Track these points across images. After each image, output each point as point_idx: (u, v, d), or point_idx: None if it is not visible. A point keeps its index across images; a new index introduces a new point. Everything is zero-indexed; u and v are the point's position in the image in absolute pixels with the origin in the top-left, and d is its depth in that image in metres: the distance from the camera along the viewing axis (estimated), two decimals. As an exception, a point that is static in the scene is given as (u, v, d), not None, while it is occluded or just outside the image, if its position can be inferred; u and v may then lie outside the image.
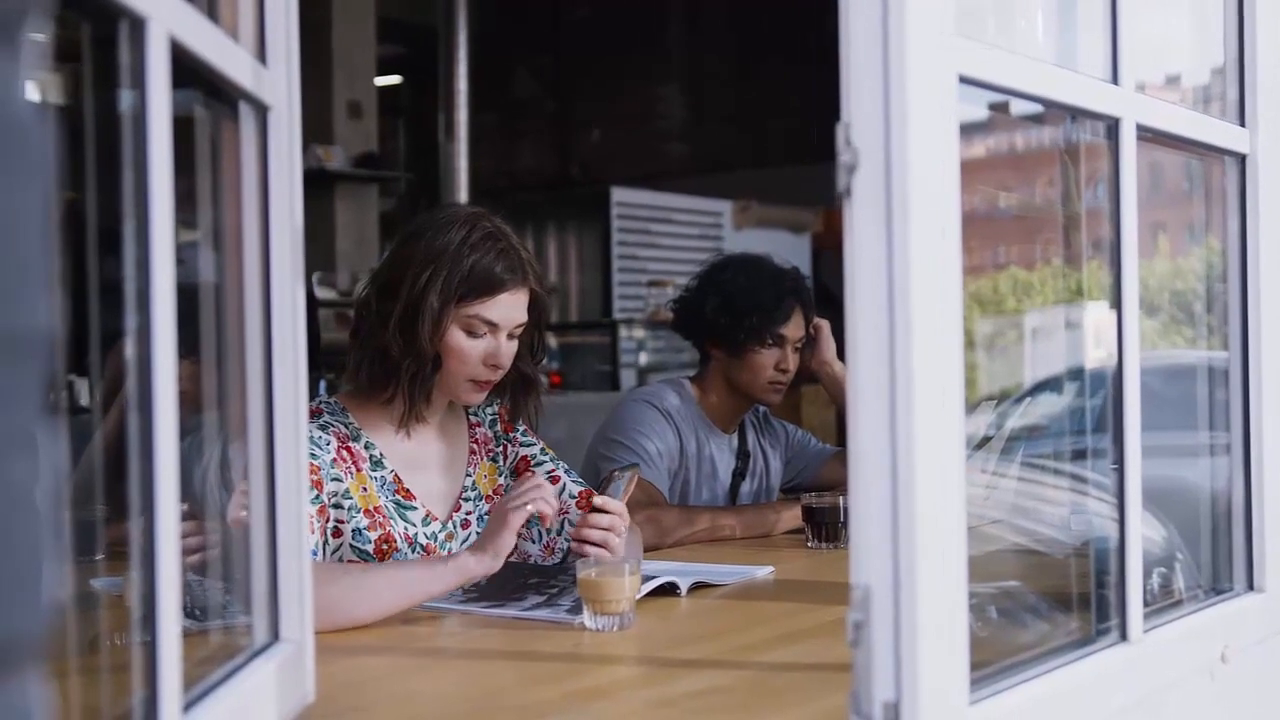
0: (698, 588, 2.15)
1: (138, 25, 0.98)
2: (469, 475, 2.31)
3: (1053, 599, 1.68)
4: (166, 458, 1.00)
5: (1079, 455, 1.91)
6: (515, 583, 2.08)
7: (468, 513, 2.29)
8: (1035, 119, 1.72)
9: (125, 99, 0.99)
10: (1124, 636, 1.50)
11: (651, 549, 2.64)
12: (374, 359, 2.17)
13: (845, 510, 2.63)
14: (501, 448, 2.37)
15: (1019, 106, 1.53)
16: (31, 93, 0.54)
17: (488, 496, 2.32)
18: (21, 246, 0.49)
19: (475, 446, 2.34)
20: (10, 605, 0.52)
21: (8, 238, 0.48)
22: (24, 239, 0.49)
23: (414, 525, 2.19)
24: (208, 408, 1.37)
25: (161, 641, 1.00)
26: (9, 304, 0.49)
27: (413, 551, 2.17)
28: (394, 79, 10.03)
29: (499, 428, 2.38)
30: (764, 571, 2.33)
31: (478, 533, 2.25)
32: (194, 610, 1.35)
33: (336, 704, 1.47)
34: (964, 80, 1.23)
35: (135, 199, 0.98)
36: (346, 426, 2.19)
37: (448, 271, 2.12)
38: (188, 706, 1.07)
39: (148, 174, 0.99)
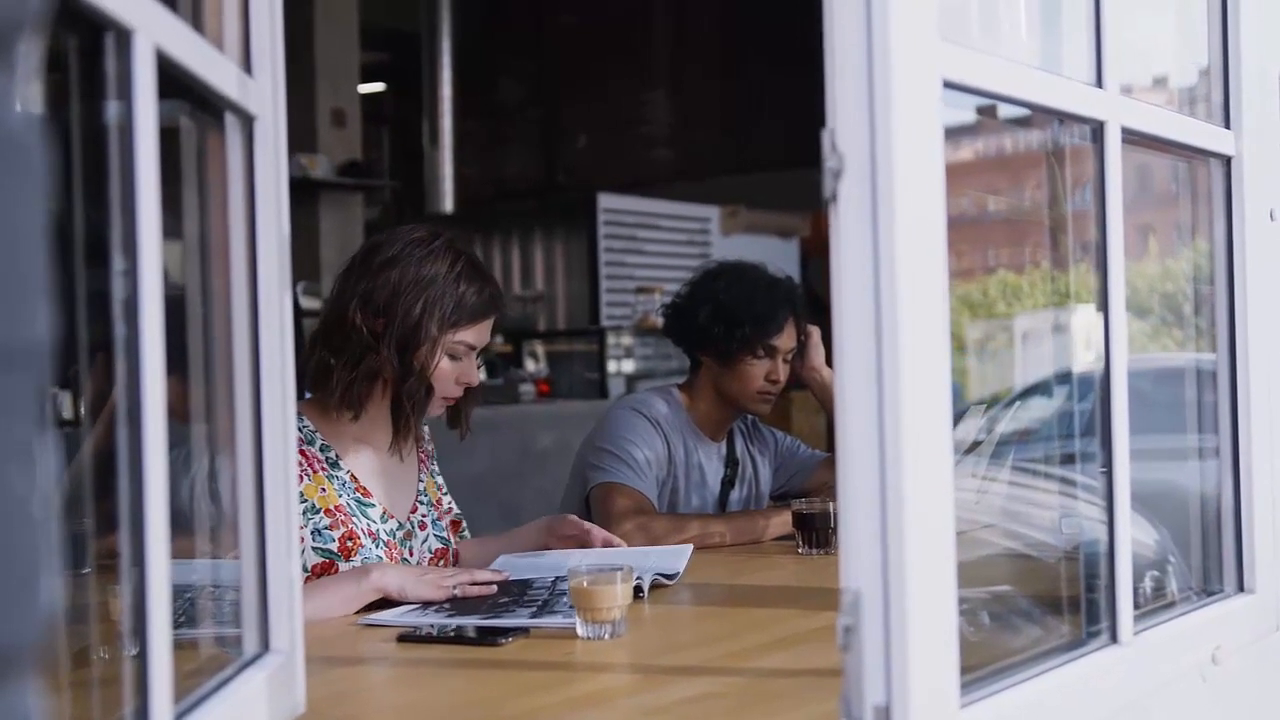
0: (657, 587, 2.18)
1: (124, 36, 0.97)
2: (420, 482, 2.44)
3: (1044, 602, 1.68)
4: (155, 469, 1.00)
5: (1069, 459, 1.91)
6: (499, 599, 2.07)
7: (423, 515, 2.41)
8: (1022, 122, 1.73)
9: (111, 109, 0.99)
10: (1114, 638, 1.50)
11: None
12: (363, 379, 2.25)
13: (836, 516, 2.62)
14: (435, 464, 2.51)
15: (1006, 110, 1.54)
16: (26, 104, 0.54)
17: (435, 503, 2.45)
18: (21, 258, 0.49)
19: (423, 457, 2.47)
20: (10, 614, 0.52)
21: (7, 249, 0.48)
22: (23, 250, 0.49)
23: (374, 522, 2.28)
24: (194, 420, 1.36)
25: (152, 654, 0.99)
26: (8, 316, 0.49)
27: (376, 546, 2.26)
28: (378, 86, 10.01)
29: (431, 448, 2.52)
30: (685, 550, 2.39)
31: (434, 535, 2.41)
32: (180, 620, 1.35)
33: (327, 715, 1.46)
34: (948, 85, 1.24)
35: (122, 209, 0.98)
36: (300, 430, 2.24)
37: (442, 301, 2.24)
38: (178, 718, 1.06)
39: (135, 184, 0.98)
